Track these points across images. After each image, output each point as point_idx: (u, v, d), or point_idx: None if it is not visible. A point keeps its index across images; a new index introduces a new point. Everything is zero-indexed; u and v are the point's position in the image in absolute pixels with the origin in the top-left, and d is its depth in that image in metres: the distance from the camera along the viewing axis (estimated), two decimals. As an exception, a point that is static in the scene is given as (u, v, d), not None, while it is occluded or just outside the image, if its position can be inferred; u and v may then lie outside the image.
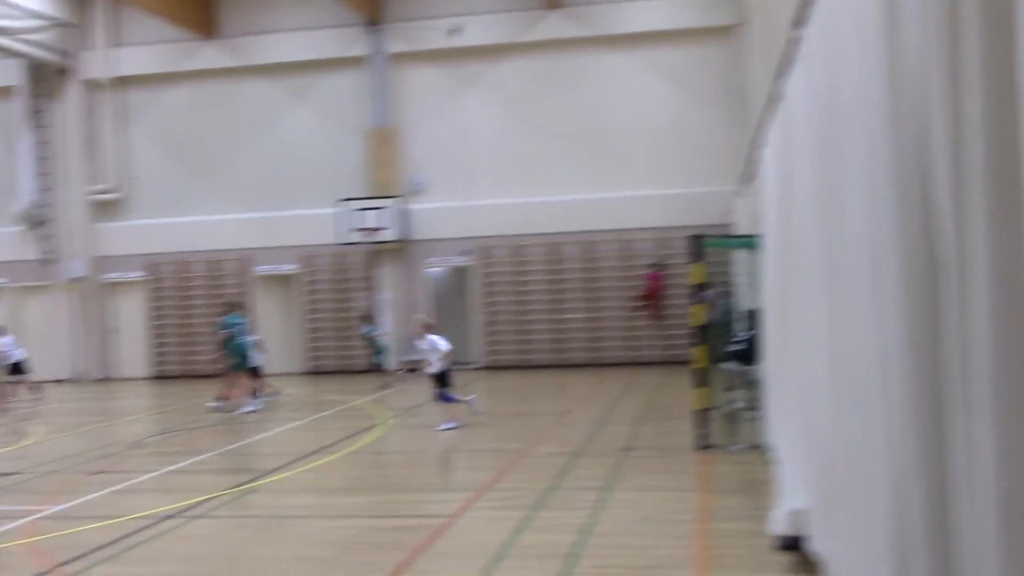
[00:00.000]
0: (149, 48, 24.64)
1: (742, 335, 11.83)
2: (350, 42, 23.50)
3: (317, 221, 23.47)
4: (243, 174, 24.28)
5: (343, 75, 23.81)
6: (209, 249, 24.45)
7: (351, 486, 10.49)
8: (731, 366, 11.80)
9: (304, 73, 24.01)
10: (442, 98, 23.44)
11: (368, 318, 21.09)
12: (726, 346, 11.88)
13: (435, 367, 13.74)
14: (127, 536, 8.38)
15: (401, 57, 23.46)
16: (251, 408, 16.60)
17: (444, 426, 13.73)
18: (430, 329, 14.01)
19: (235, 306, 17.95)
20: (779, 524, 6.84)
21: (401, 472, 11.54)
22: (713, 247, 11.95)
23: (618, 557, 7.10)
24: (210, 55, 24.27)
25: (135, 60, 24.74)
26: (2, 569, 7.60)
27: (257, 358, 17.06)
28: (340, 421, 15.68)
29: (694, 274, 10.97)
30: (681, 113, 22.42)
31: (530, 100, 23.08)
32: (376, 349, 20.46)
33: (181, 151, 24.74)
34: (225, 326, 17.12)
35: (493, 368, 23.13)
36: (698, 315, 11.04)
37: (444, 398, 13.86)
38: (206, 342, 24.19)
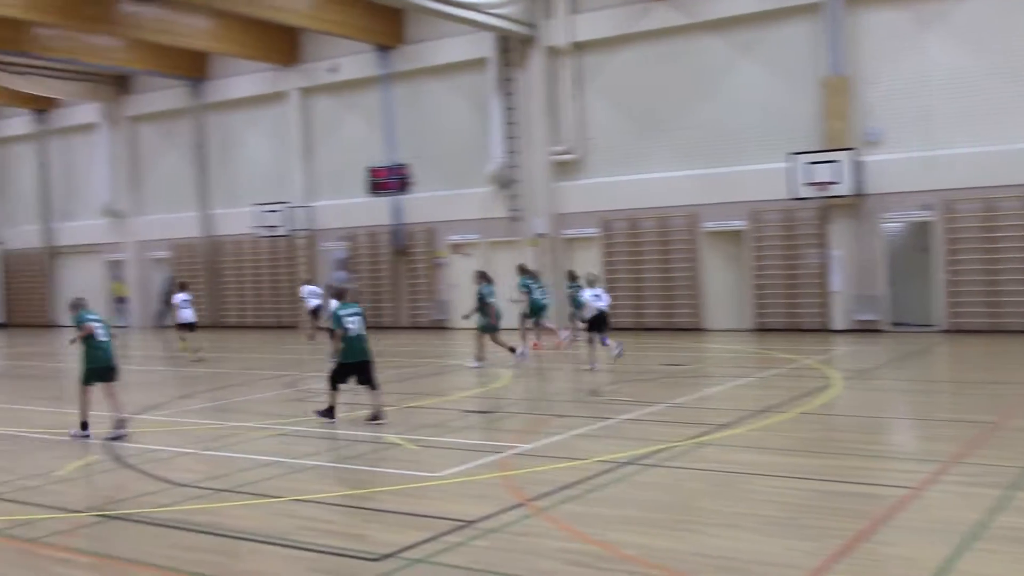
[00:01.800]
0: (604, 12, 25.59)
1: None
2: (804, -11, 22.67)
3: (766, 176, 23.06)
4: (692, 131, 24.50)
5: (794, 25, 23.03)
6: (659, 206, 25.05)
7: (801, 447, 10.28)
8: None
9: (754, 25, 23.58)
10: (901, 41, 21.84)
11: (527, 271, 21.10)
12: None
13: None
14: (590, 478, 8.93)
15: (857, 1, 22.19)
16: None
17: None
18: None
19: (484, 277, 18.96)
20: None
21: (854, 436, 11.06)
22: None
23: (1117, 552, 6.28)
24: (661, 15, 24.67)
25: (591, 25, 25.83)
26: (485, 499, 8.44)
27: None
28: (788, 380, 15.42)
29: None
30: None
31: (1001, 37, 20.74)
32: (534, 306, 20.13)
33: (632, 111, 25.52)
34: (482, 295, 18.47)
35: (957, 331, 21.37)
36: None
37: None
38: (656, 296, 25.03)
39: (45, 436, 12.25)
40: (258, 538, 7.46)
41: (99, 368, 11.96)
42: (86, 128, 36.73)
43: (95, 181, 36.61)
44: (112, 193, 35.86)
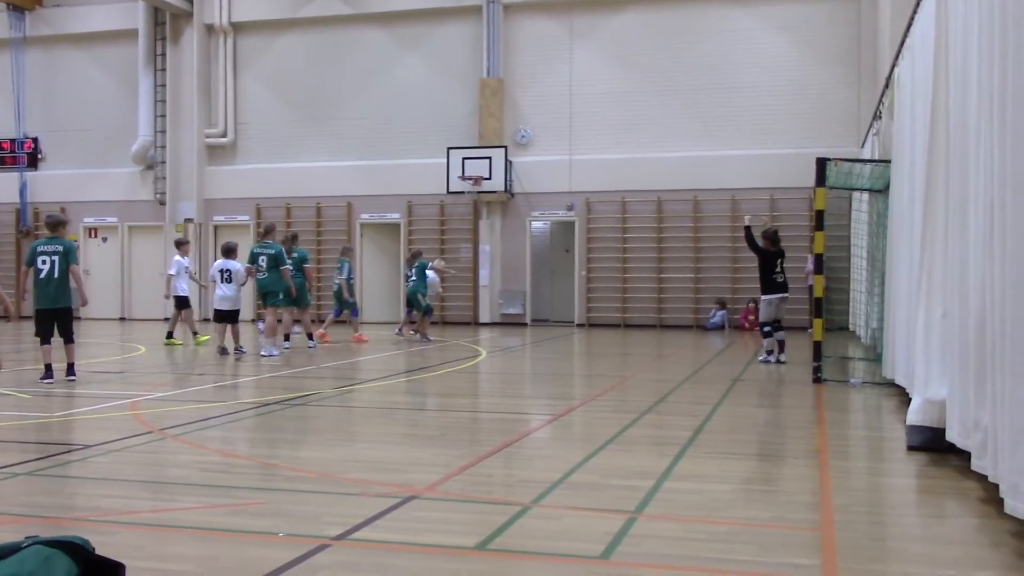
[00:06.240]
0: (266, -5, 24.89)
1: None
2: (466, -9, 23.31)
3: (423, 170, 23.37)
4: (352, 122, 24.33)
5: (456, 25, 23.61)
6: (315, 195, 24.57)
7: (454, 392, 10.28)
8: None
9: (418, 22, 23.89)
10: (553, 50, 23.06)
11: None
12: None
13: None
14: (228, 414, 8.33)
15: (515, 7, 23.18)
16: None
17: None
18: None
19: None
20: (915, 414, 6.40)
21: (503, 386, 11.24)
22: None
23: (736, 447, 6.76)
24: (325, 3, 24.35)
25: (251, 6, 24.98)
26: (110, 430, 7.59)
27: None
28: (439, 352, 15.54)
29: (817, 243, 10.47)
30: (800, 70, 21.64)
31: (643, 54, 22.51)
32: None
33: (291, 98, 24.89)
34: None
35: (592, 326, 22.71)
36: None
37: None
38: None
39: None
40: None
41: None
42: None
43: None
44: None
